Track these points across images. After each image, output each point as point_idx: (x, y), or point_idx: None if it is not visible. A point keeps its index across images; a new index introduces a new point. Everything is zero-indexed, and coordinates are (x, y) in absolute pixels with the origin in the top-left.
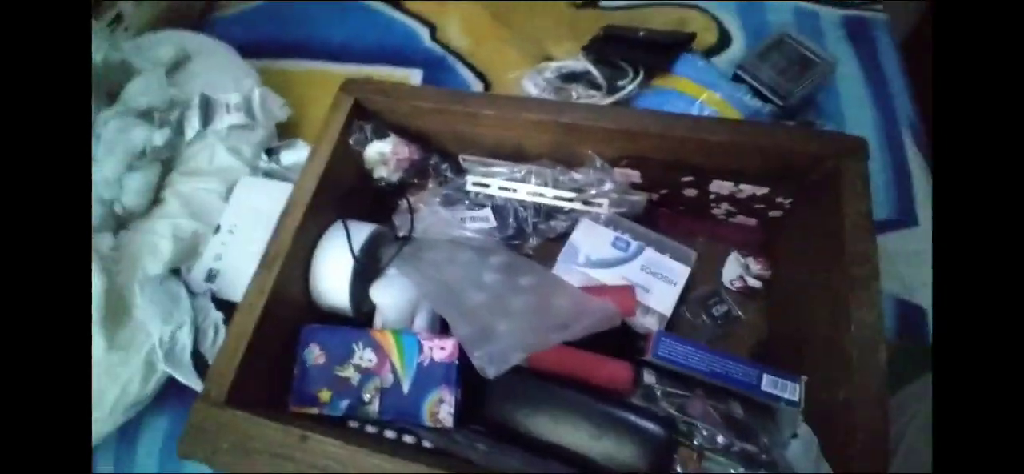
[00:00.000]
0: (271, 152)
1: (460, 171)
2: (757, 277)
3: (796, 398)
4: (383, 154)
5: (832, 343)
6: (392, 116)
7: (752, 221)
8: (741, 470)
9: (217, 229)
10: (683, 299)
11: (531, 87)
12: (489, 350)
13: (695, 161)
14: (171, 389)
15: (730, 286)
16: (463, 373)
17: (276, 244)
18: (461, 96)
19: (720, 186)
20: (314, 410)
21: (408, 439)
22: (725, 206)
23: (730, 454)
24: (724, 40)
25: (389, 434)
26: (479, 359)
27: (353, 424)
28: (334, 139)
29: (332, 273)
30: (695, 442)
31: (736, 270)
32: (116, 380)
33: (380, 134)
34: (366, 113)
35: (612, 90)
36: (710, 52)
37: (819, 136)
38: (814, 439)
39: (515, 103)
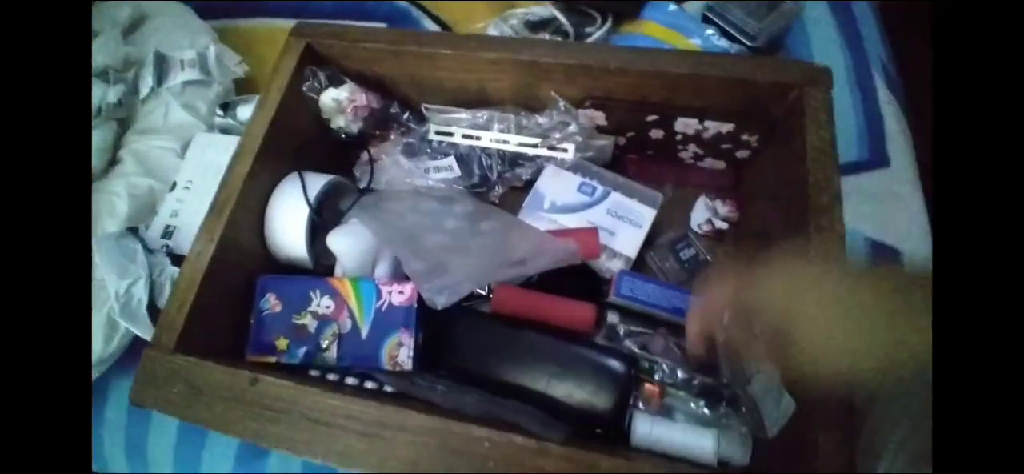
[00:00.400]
0: (226, 108)
1: (422, 120)
2: (725, 219)
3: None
4: (339, 102)
5: None
6: (347, 62)
7: (721, 164)
8: (701, 404)
9: (173, 186)
10: (651, 244)
11: (496, 35)
12: (439, 282)
13: (659, 97)
14: (137, 349)
15: (698, 230)
16: (425, 319)
17: (225, 191)
18: (417, 36)
19: (686, 125)
20: (272, 359)
21: (370, 385)
22: (693, 148)
23: (691, 388)
24: None
25: (350, 380)
26: (428, 291)
27: (314, 373)
28: (284, 85)
29: (287, 224)
30: (656, 378)
31: (704, 214)
32: None
33: (335, 81)
34: (320, 59)
35: (579, 37)
36: None
37: (783, 65)
38: (776, 372)
39: (473, 41)
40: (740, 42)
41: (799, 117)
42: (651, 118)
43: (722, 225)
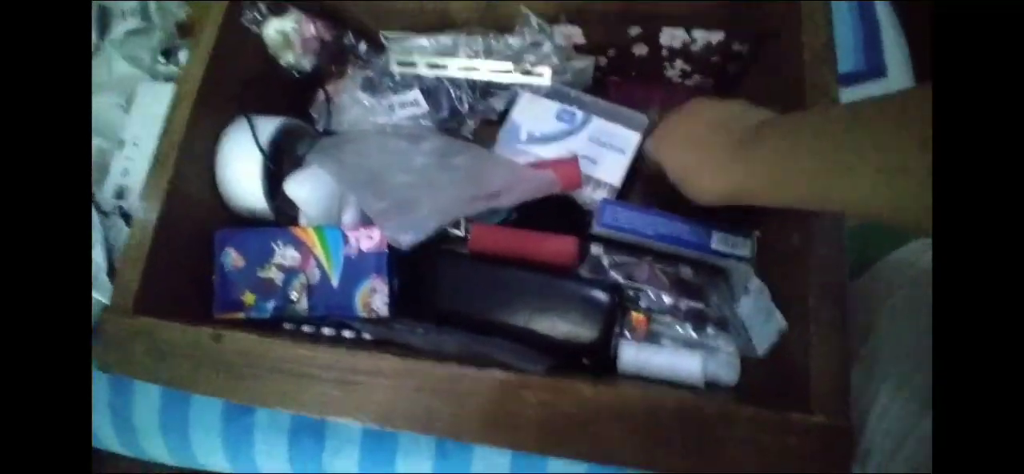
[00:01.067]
0: (168, 54)
1: (381, 51)
2: None
3: (747, 254)
4: (285, 34)
5: None
6: None
7: (709, 82)
8: (688, 327)
9: (121, 144)
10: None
11: None
12: (403, 220)
13: (641, 6)
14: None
15: None
16: (401, 263)
17: (166, 143)
18: None
19: (672, 37)
20: (240, 314)
21: (348, 334)
22: (680, 65)
23: (677, 314)
24: None
25: (327, 331)
26: (391, 229)
27: (288, 326)
28: (219, 18)
29: (240, 173)
30: (642, 305)
31: None
32: None
33: (278, 10)
34: None
35: None
36: None
37: None
38: (765, 290)
39: None
40: None
41: (793, 23)
42: (634, 32)
43: None
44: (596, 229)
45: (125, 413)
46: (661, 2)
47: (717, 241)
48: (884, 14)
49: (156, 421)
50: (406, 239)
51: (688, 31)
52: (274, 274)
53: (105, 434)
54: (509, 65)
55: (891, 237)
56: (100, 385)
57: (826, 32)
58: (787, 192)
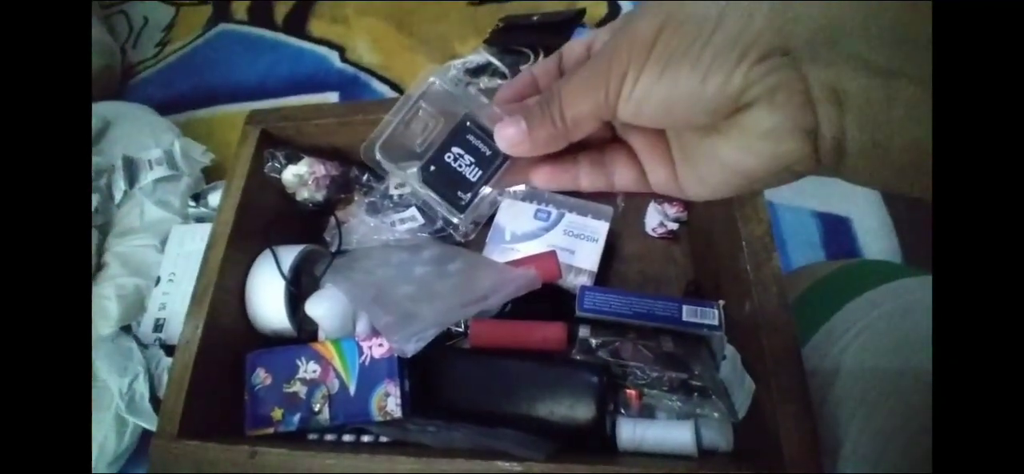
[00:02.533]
0: (198, 197)
1: (381, 178)
2: (675, 219)
3: (716, 322)
4: (301, 176)
5: (733, 263)
6: (302, 138)
7: None
8: (676, 398)
9: (157, 281)
10: (613, 255)
11: (438, 86)
12: (406, 331)
13: None
14: (147, 440)
15: (653, 233)
16: (410, 367)
17: (204, 280)
18: (361, 106)
19: None
20: (269, 430)
21: (366, 438)
22: None
23: (662, 386)
24: (614, 11)
25: (347, 437)
26: (397, 341)
27: (312, 437)
28: (246, 170)
29: (265, 298)
30: (630, 381)
31: (656, 217)
32: (93, 441)
33: (293, 158)
34: (276, 140)
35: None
36: (602, 23)
37: None
38: (737, 356)
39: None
40: None
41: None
42: None
43: (673, 225)
44: (579, 313)
45: None
46: None
47: (687, 313)
48: None
49: None
50: (409, 348)
51: None
52: (298, 388)
53: None
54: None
55: (844, 291)
56: None
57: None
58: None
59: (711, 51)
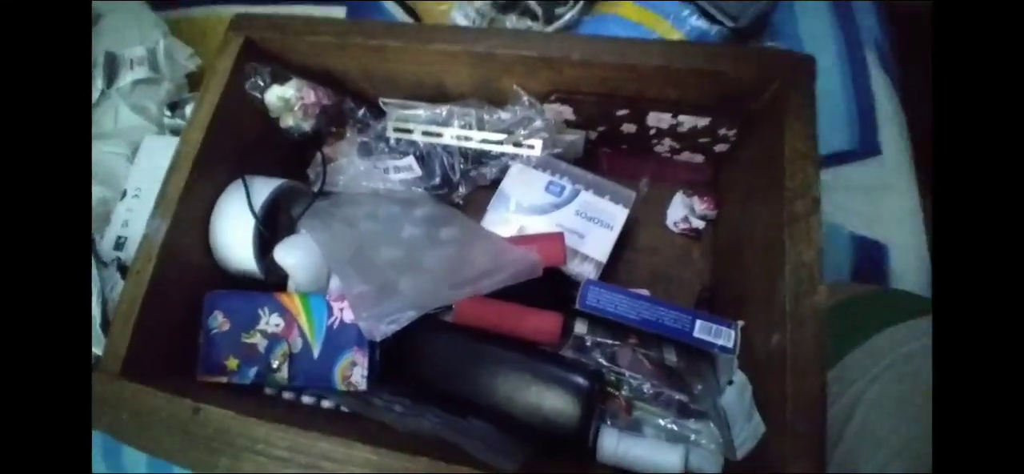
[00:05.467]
0: (175, 107)
1: (380, 115)
2: (701, 217)
3: (730, 345)
4: (287, 100)
5: (769, 284)
6: (293, 55)
7: (698, 158)
8: (670, 418)
9: (123, 194)
10: (626, 245)
11: (461, 19)
12: (379, 310)
13: (629, 91)
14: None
15: (675, 228)
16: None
17: (163, 204)
18: (364, 27)
19: (658, 119)
20: (223, 379)
21: (326, 404)
22: (668, 142)
23: (658, 403)
24: None
25: (306, 399)
26: (367, 319)
27: (269, 391)
28: (222, 84)
29: (232, 235)
30: (623, 392)
31: (681, 210)
32: None
33: (280, 78)
34: (262, 53)
35: (550, 17)
36: None
37: (761, 55)
38: (748, 387)
39: (424, 33)
40: (721, 23)
41: (779, 114)
42: (621, 112)
43: (699, 223)
44: (579, 308)
45: (116, 454)
46: (648, 88)
47: (700, 329)
48: (880, 88)
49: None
50: (379, 331)
51: (674, 115)
52: (258, 340)
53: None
54: (501, 136)
55: (869, 321)
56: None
57: (810, 128)
58: None
59: None
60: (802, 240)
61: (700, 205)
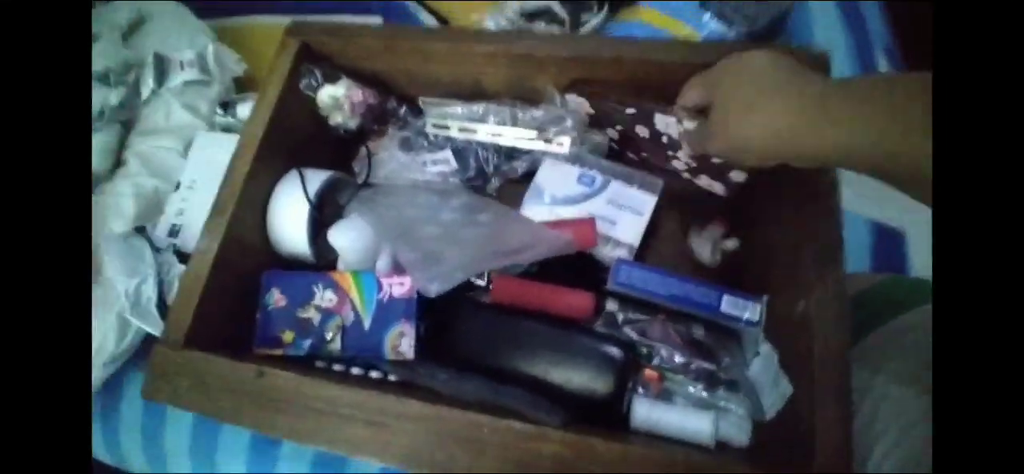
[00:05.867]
0: (227, 106)
1: (419, 114)
2: (725, 237)
3: (756, 318)
4: (337, 99)
5: (794, 255)
6: (343, 58)
7: (717, 186)
8: (700, 386)
9: (177, 186)
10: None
11: (492, 26)
12: (431, 272)
13: (654, 87)
14: (148, 347)
15: (714, 265)
16: (427, 310)
17: (227, 190)
18: (410, 31)
19: (665, 124)
20: (278, 351)
21: (374, 374)
22: (685, 158)
23: (688, 373)
24: None
25: (355, 370)
26: (421, 279)
27: (320, 364)
28: (281, 83)
29: (288, 220)
30: (654, 363)
31: (706, 247)
32: (93, 336)
33: (332, 78)
34: (316, 56)
35: (576, 24)
36: None
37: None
38: (774, 355)
39: (466, 36)
40: (738, 26)
41: None
42: (630, 111)
43: (731, 245)
44: (611, 287)
45: (157, 437)
46: (669, 85)
47: (727, 304)
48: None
49: (186, 446)
50: (433, 288)
51: (680, 121)
52: (312, 314)
53: (135, 457)
54: (532, 133)
55: (885, 308)
56: (134, 409)
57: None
58: (867, 147)
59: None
60: (822, 216)
61: (718, 231)
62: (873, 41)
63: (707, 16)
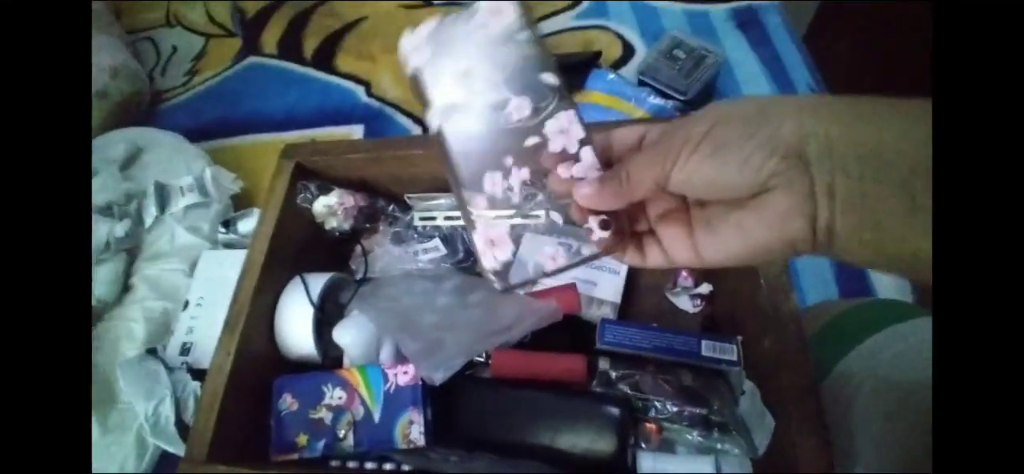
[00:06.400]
0: (228, 224)
1: (406, 209)
2: (697, 283)
3: (735, 358)
4: (331, 207)
5: (751, 299)
6: (333, 171)
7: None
8: (696, 433)
9: (185, 305)
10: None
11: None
12: (434, 360)
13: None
14: (166, 462)
15: (696, 313)
16: (433, 395)
17: (237, 306)
18: (391, 142)
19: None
20: (294, 455)
21: (388, 466)
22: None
23: (682, 420)
24: (628, 52)
25: (370, 465)
26: (425, 369)
27: (335, 464)
28: (280, 201)
29: (294, 325)
30: (651, 415)
31: (687, 302)
32: (112, 461)
33: (325, 189)
34: (309, 173)
35: (536, 112)
36: (617, 64)
37: None
38: (757, 392)
39: None
40: (674, 98)
41: None
42: None
43: (704, 290)
44: (599, 346)
45: None
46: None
47: (706, 348)
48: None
49: None
50: (438, 376)
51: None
52: (324, 414)
53: None
54: (511, 211)
55: (859, 330)
56: None
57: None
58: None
59: (752, 145)
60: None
61: (689, 280)
62: (796, 86)
63: (646, 93)
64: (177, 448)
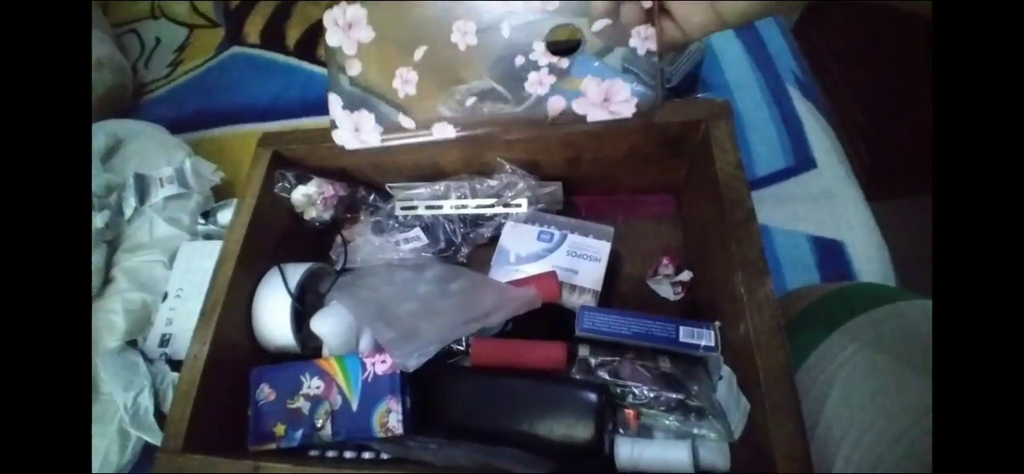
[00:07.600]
0: (207, 215)
1: (387, 199)
2: (678, 270)
3: (712, 343)
4: (309, 196)
5: (727, 283)
6: (312, 160)
7: (668, 197)
8: (673, 418)
9: (165, 296)
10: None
11: (445, 111)
12: (408, 347)
13: (590, 147)
14: (149, 453)
15: (676, 299)
16: (413, 384)
17: (212, 297)
18: None
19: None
20: (272, 445)
21: (367, 455)
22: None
23: (659, 405)
24: None
25: (348, 454)
26: (398, 355)
27: (313, 453)
28: (257, 191)
29: (272, 315)
30: (628, 401)
31: (666, 288)
32: (95, 452)
33: (303, 179)
34: (287, 162)
35: (519, 100)
36: (602, 52)
37: (689, 105)
38: (733, 376)
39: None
40: (658, 87)
41: (709, 146)
42: (569, 155)
43: (685, 276)
44: (578, 333)
45: None
46: (604, 145)
47: (684, 334)
48: (805, 112)
49: None
50: (411, 363)
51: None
52: (302, 404)
53: None
54: (492, 200)
55: (838, 313)
56: None
57: (735, 154)
58: None
59: None
60: (745, 241)
61: (669, 267)
62: (782, 73)
63: (632, 80)
64: (156, 439)
